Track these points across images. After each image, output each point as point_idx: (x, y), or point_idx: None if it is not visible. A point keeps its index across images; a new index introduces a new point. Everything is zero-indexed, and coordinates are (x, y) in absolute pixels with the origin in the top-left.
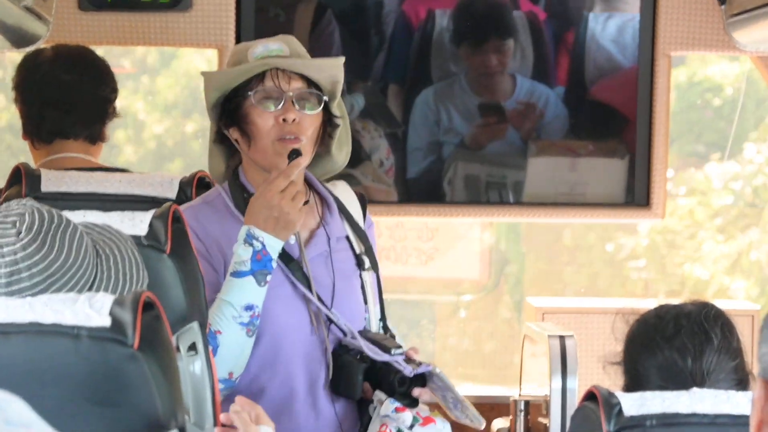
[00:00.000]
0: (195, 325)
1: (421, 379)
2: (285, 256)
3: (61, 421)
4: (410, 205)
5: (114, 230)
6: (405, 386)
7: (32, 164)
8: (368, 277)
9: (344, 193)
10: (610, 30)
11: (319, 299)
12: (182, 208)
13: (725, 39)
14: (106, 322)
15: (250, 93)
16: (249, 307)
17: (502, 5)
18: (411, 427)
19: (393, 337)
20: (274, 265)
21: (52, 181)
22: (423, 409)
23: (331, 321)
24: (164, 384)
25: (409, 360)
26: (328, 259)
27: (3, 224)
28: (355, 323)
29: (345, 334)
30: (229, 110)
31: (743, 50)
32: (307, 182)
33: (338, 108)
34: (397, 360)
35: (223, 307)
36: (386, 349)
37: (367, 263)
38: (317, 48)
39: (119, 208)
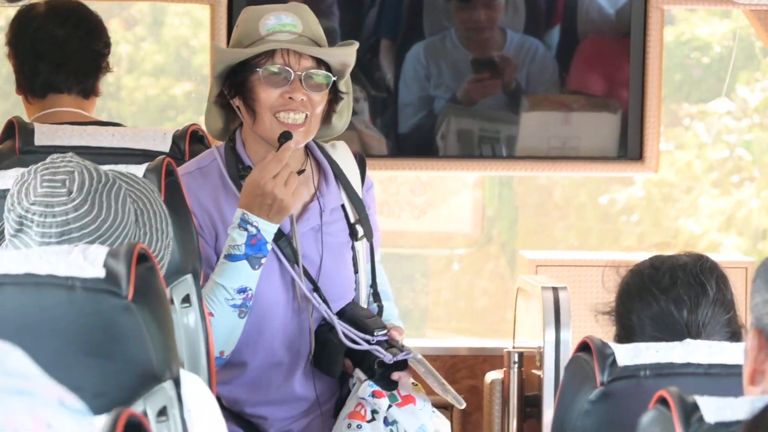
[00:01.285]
0: (189, 277)
1: (402, 363)
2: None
3: (56, 372)
4: (403, 159)
5: (142, 180)
6: (384, 369)
7: (26, 118)
8: (361, 246)
9: (343, 155)
10: None
11: (308, 276)
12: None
13: None
14: (100, 273)
15: (258, 69)
16: (242, 290)
17: None
18: (388, 407)
19: (381, 308)
20: (269, 248)
21: (45, 135)
22: (406, 385)
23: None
24: (158, 335)
25: (390, 345)
26: (319, 233)
27: (52, 182)
28: (343, 296)
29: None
30: (236, 81)
31: (736, 3)
32: (306, 148)
33: (345, 85)
34: (377, 349)
35: (215, 289)
36: (368, 330)
37: (360, 232)
38: (311, 2)
39: (112, 161)
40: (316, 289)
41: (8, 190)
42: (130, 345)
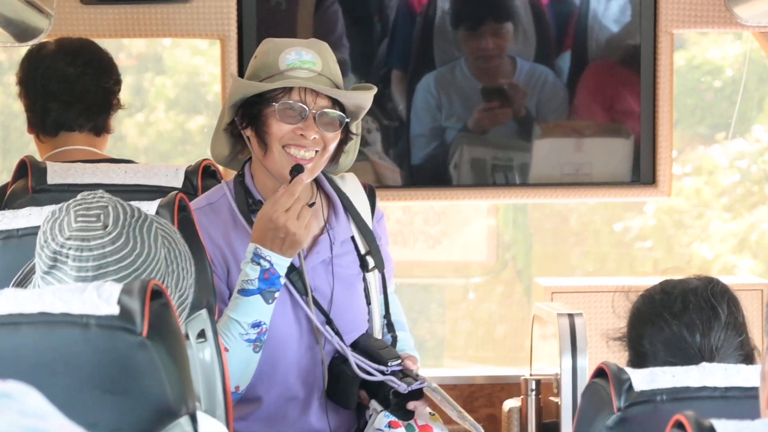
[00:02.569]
0: (204, 312)
1: (418, 392)
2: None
3: (72, 411)
4: (417, 189)
5: (165, 222)
6: (400, 399)
7: (38, 158)
8: (373, 277)
9: (352, 187)
10: (612, 10)
11: (320, 309)
12: (199, 203)
13: (727, 15)
14: (114, 310)
15: (274, 103)
16: (256, 324)
17: None
18: None
19: (395, 338)
20: (283, 281)
21: (58, 173)
22: (423, 414)
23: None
24: (174, 371)
25: (405, 374)
26: (330, 265)
27: (87, 217)
28: (356, 328)
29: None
30: (249, 112)
31: (745, 25)
32: (316, 181)
33: (355, 126)
34: (392, 379)
35: (230, 324)
36: (382, 361)
37: (371, 264)
38: (321, 34)
39: (125, 198)
40: (328, 321)
41: (22, 229)
42: (145, 381)
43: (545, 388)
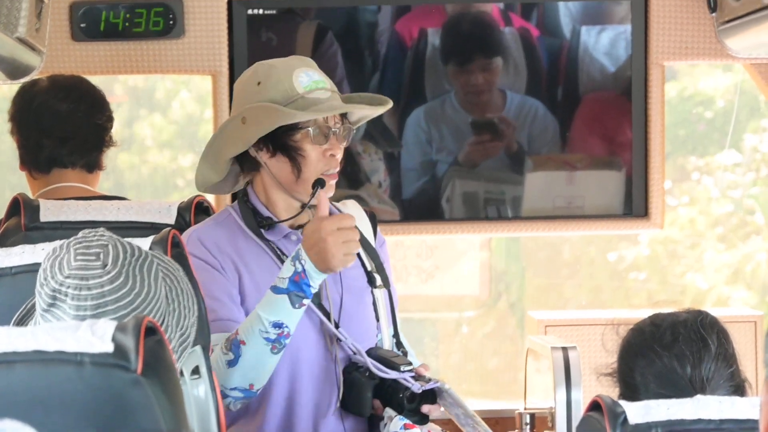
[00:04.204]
0: (198, 348)
1: (431, 396)
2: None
3: None
4: (409, 223)
5: (168, 258)
6: (414, 403)
7: (30, 195)
8: (380, 294)
9: (355, 211)
10: (602, 43)
11: (328, 317)
12: (195, 227)
13: (718, 47)
14: (108, 348)
15: (308, 128)
16: (278, 325)
17: (488, 24)
18: None
19: (405, 353)
20: (313, 290)
21: (50, 211)
22: (434, 428)
23: (339, 339)
24: (169, 408)
25: (418, 377)
26: (338, 275)
27: (86, 255)
28: (366, 340)
29: (354, 353)
30: (278, 141)
31: (736, 57)
32: None
33: None
34: (405, 377)
35: (253, 319)
36: (395, 367)
37: (378, 280)
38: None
39: (118, 235)
40: (337, 328)
41: (15, 267)
42: (140, 418)
43: (540, 422)
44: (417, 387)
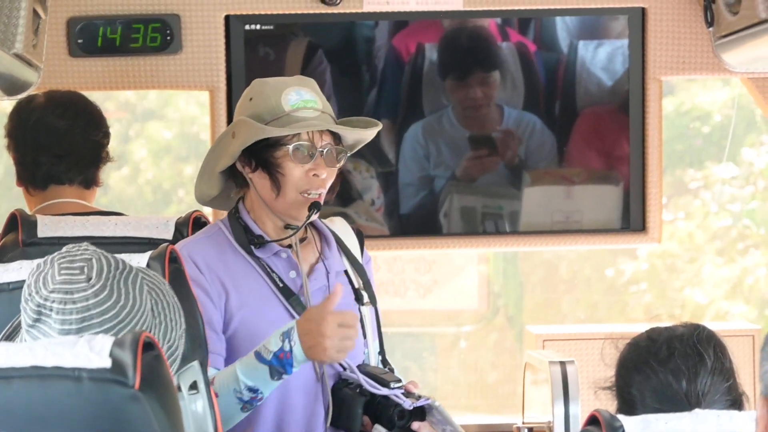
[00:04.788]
0: (196, 363)
1: (421, 413)
2: (286, 290)
3: None
4: (407, 238)
5: (153, 273)
6: (404, 420)
7: (28, 210)
8: (367, 311)
9: (342, 228)
10: (600, 57)
11: None
12: (184, 241)
13: (715, 62)
14: (106, 363)
15: (288, 146)
16: (253, 390)
17: (486, 38)
18: None
19: (392, 370)
20: (295, 370)
21: (48, 227)
22: None
23: None
24: (166, 423)
25: (408, 394)
26: (326, 292)
27: (70, 270)
28: (354, 357)
29: (344, 369)
30: (261, 156)
31: (733, 72)
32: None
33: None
34: (395, 394)
35: (231, 376)
36: (385, 383)
37: (365, 298)
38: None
39: (116, 250)
40: None
41: (12, 282)
42: None
43: None
44: (408, 404)
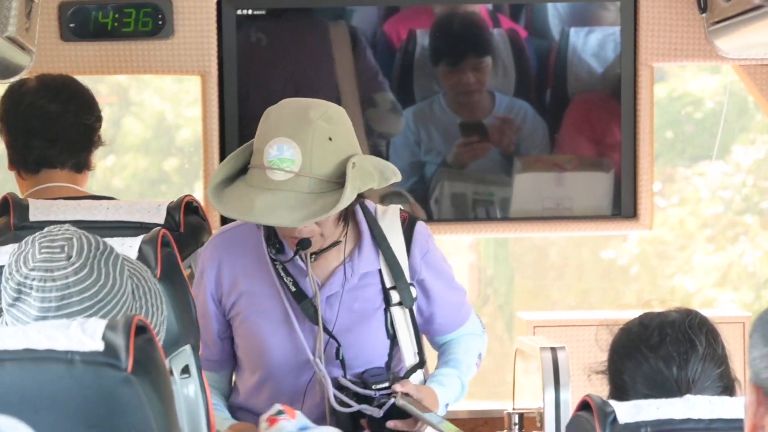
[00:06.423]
0: (188, 348)
1: (400, 411)
2: (299, 295)
3: None
4: None
5: (135, 261)
6: (380, 427)
7: (20, 195)
8: (400, 311)
9: (390, 222)
10: (591, 44)
11: (332, 337)
12: (229, 226)
13: (707, 48)
14: (99, 346)
15: None
16: None
17: (478, 24)
18: None
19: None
20: None
21: (40, 210)
22: None
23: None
24: (159, 407)
25: (392, 394)
26: (338, 300)
27: (50, 248)
28: (370, 363)
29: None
30: None
31: (725, 58)
32: (353, 214)
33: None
34: (365, 407)
35: None
36: (368, 386)
37: (395, 299)
38: (301, 71)
39: (108, 234)
40: (336, 352)
41: (3, 266)
42: (130, 417)
43: (528, 422)
44: (377, 412)
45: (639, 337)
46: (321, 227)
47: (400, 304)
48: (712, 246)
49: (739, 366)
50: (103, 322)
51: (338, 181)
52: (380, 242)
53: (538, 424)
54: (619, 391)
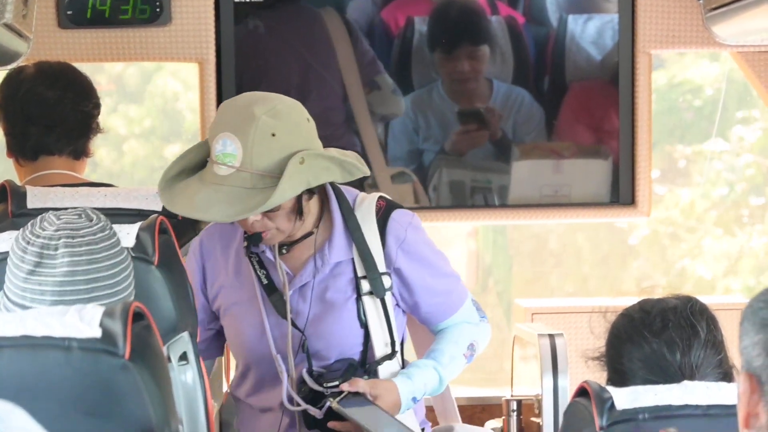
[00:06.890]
0: (185, 335)
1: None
2: (270, 287)
3: None
4: None
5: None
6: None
7: (17, 181)
8: (371, 301)
9: (365, 212)
10: (589, 31)
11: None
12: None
13: (705, 35)
14: (96, 333)
15: None
16: None
17: (475, 12)
18: None
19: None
20: None
21: (37, 197)
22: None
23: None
24: (156, 393)
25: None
26: (308, 291)
27: (67, 215)
28: (342, 353)
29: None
30: None
31: (723, 45)
32: (322, 201)
33: (305, 173)
34: (309, 408)
35: None
36: (321, 383)
37: (366, 288)
38: (298, 58)
39: None
40: (302, 344)
41: (3, 253)
42: (128, 404)
43: (526, 408)
44: (319, 414)
45: (641, 323)
46: (274, 221)
47: (371, 293)
48: (720, 230)
49: (736, 352)
50: (101, 309)
51: (281, 176)
52: (353, 231)
53: (536, 411)
54: (619, 376)
